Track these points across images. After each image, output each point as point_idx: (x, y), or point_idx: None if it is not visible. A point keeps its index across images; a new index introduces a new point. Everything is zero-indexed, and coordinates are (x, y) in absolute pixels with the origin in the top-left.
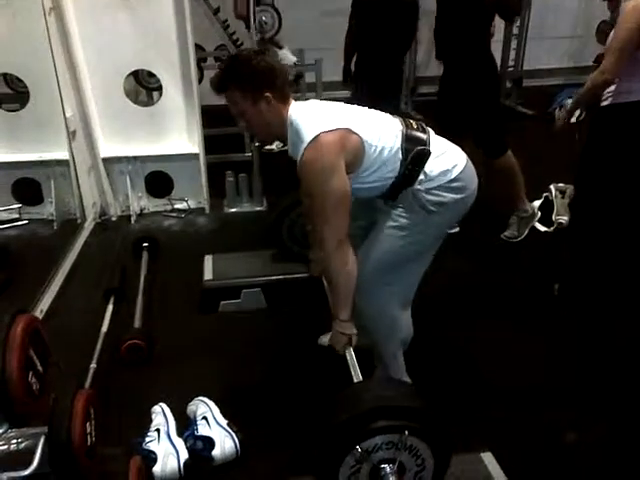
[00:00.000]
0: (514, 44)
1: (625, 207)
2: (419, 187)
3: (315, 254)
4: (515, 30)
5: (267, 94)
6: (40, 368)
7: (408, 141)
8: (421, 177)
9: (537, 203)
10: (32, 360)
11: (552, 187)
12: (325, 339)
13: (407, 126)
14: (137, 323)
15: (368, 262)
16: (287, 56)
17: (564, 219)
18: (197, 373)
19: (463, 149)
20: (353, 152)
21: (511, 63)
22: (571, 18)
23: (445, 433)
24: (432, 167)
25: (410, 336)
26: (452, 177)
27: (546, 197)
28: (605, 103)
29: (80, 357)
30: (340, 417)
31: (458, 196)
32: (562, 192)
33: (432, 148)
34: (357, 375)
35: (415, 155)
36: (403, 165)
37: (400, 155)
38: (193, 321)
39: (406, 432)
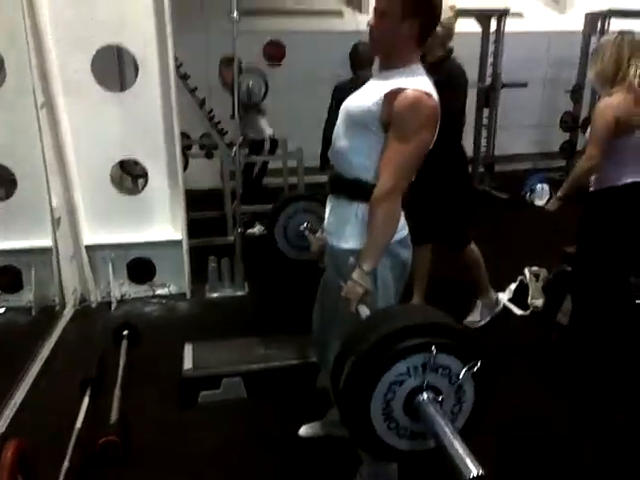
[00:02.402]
0: (485, 132)
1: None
2: (353, 245)
3: (318, 235)
4: (485, 121)
5: (416, 20)
6: None
7: None
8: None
9: (512, 286)
10: None
11: (526, 271)
12: (307, 430)
13: None
14: (113, 417)
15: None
16: (266, 128)
17: (539, 302)
18: (174, 473)
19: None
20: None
21: (483, 149)
22: (536, 109)
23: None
24: None
25: None
26: (401, 237)
27: (521, 281)
28: (591, 189)
29: (53, 455)
30: (396, 324)
31: (390, 263)
32: (536, 276)
33: None
34: None
35: None
36: None
37: None
38: (172, 414)
39: (478, 363)
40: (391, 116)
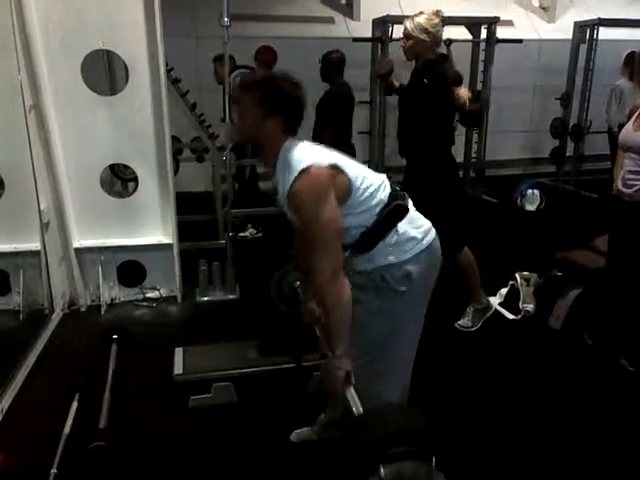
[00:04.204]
0: (476, 137)
1: None
2: (390, 259)
3: (306, 303)
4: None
5: (277, 116)
6: None
7: (390, 196)
8: (393, 235)
9: (504, 291)
10: None
11: (517, 275)
12: (298, 435)
13: (391, 185)
14: (102, 422)
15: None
16: None
17: (530, 307)
18: (164, 478)
19: None
20: (341, 189)
21: (474, 155)
22: (526, 114)
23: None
24: (405, 229)
25: None
26: (422, 248)
27: (512, 285)
28: None
29: (41, 461)
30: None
31: (424, 268)
32: (527, 280)
33: (410, 211)
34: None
35: (393, 208)
36: (380, 215)
37: (380, 207)
38: (162, 418)
39: (433, 460)
40: (294, 215)
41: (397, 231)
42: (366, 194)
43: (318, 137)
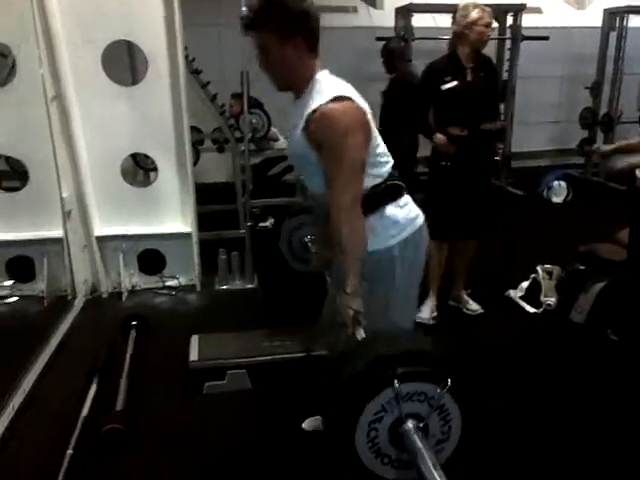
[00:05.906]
0: None
1: None
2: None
3: (317, 249)
4: (501, 117)
5: (296, 38)
6: None
7: (390, 175)
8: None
9: (525, 284)
10: None
11: (539, 268)
12: (310, 423)
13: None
14: (119, 405)
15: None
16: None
17: (552, 300)
18: (178, 460)
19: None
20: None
21: (500, 146)
22: (554, 105)
23: (478, 404)
24: (395, 212)
25: None
26: (417, 227)
27: (533, 278)
28: None
29: (58, 441)
30: (379, 352)
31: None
32: (549, 273)
33: (404, 196)
34: None
35: (387, 187)
36: (376, 188)
37: (376, 181)
38: (177, 403)
39: (448, 382)
40: (314, 140)
41: (386, 214)
42: (373, 159)
43: (388, 124)
